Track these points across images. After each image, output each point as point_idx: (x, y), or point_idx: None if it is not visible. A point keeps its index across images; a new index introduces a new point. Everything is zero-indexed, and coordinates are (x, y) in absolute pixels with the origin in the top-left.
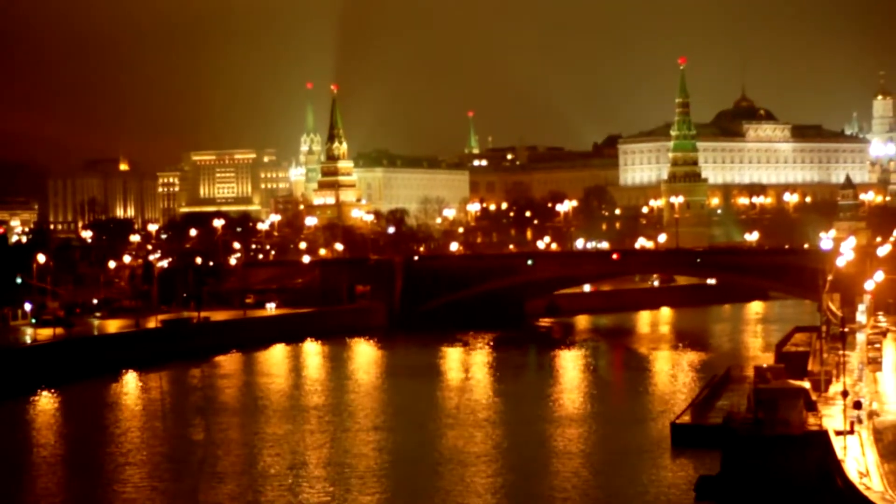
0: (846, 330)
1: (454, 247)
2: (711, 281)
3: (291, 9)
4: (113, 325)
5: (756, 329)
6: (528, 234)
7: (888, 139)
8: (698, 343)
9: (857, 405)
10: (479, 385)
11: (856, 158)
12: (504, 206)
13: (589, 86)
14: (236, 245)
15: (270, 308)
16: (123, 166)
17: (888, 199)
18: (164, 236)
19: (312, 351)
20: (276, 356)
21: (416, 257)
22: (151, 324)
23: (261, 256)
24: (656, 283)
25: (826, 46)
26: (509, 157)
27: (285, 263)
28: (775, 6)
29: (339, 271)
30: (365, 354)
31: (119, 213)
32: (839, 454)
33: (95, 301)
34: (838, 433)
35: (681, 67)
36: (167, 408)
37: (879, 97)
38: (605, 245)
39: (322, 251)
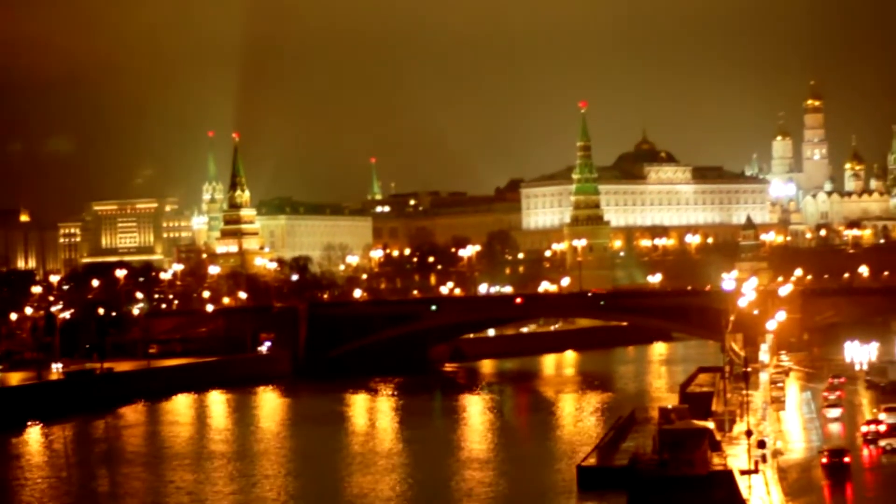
0: (749, 370)
1: (358, 293)
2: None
3: (191, 57)
4: (14, 378)
5: (660, 370)
6: (432, 279)
7: (788, 179)
8: (603, 385)
9: (762, 444)
10: (384, 431)
11: (756, 199)
12: (407, 251)
13: (490, 130)
14: (139, 295)
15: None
16: (24, 217)
17: (789, 238)
18: (65, 287)
19: (217, 400)
20: (180, 406)
21: (319, 304)
22: (54, 376)
23: (164, 306)
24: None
25: (725, 88)
26: (412, 202)
27: (189, 313)
28: (675, 49)
29: (243, 319)
30: (270, 402)
31: (20, 264)
32: (744, 494)
33: None
34: (743, 473)
35: (582, 111)
36: (71, 460)
37: (779, 138)
38: (508, 289)
39: (226, 300)
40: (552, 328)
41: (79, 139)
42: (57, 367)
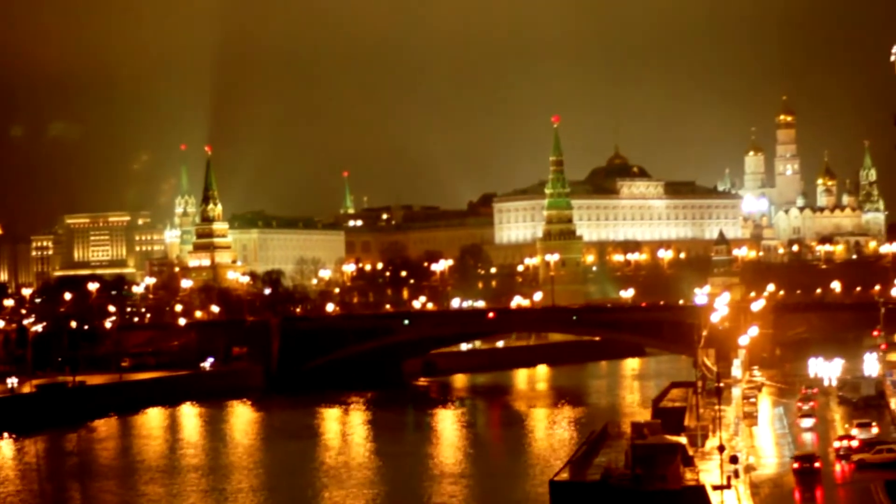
0: (722, 385)
1: (330, 307)
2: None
3: (165, 70)
4: None
5: (633, 385)
6: (405, 293)
7: (760, 195)
8: (575, 400)
9: (734, 460)
10: (357, 445)
11: (728, 214)
12: (380, 265)
13: (463, 145)
14: (111, 308)
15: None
16: None
17: (761, 254)
18: (38, 300)
19: (189, 413)
20: (152, 419)
21: (292, 318)
22: (26, 389)
23: (136, 319)
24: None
25: (698, 104)
26: (385, 216)
27: (161, 326)
28: (647, 65)
29: (216, 333)
30: (242, 416)
31: None
32: None
33: None
34: (715, 488)
35: (554, 126)
36: (43, 473)
37: (751, 153)
38: (481, 304)
39: (198, 313)
40: (498, 344)
41: (51, 152)
42: (12, 382)
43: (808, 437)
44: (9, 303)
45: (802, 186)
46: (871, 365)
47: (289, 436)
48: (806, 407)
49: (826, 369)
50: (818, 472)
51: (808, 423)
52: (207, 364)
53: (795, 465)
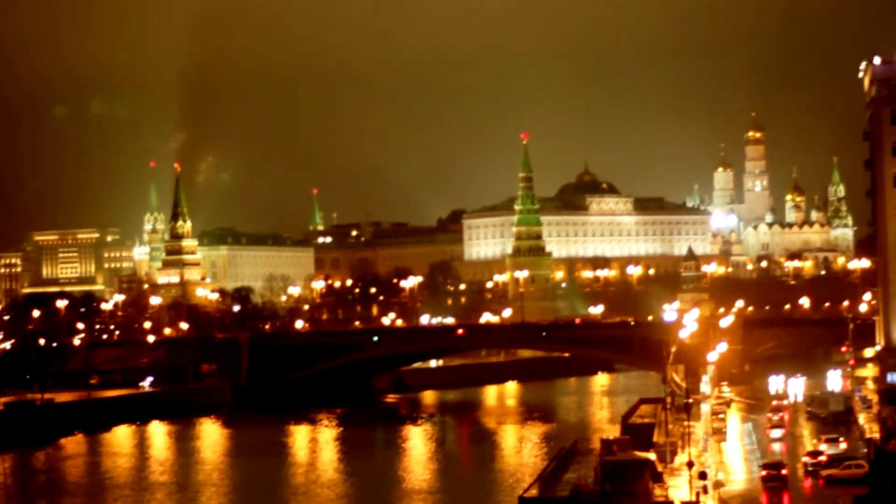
0: (691, 401)
1: (300, 324)
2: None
3: (134, 86)
4: None
5: (602, 401)
6: (374, 310)
7: (729, 211)
8: (545, 416)
9: (703, 475)
10: (326, 462)
11: (698, 230)
12: (349, 282)
13: (433, 161)
14: (80, 325)
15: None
16: None
17: (730, 269)
18: (6, 318)
19: (158, 431)
20: (121, 437)
21: (261, 335)
22: None
23: (105, 336)
24: None
25: (667, 120)
26: (354, 233)
27: (130, 343)
28: (617, 81)
29: (185, 350)
30: (211, 433)
31: None
32: None
33: None
34: (684, 503)
35: (524, 142)
36: (11, 491)
37: (720, 169)
38: (450, 320)
39: (167, 330)
40: (434, 365)
41: (19, 169)
42: None
43: (777, 448)
44: None
45: (771, 202)
46: (836, 381)
47: (257, 453)
48: (775, 418)
49: (790, 386)
50: (785, 479)
51: (777, 433)
52: (146, 383)
53: (763, 473)
